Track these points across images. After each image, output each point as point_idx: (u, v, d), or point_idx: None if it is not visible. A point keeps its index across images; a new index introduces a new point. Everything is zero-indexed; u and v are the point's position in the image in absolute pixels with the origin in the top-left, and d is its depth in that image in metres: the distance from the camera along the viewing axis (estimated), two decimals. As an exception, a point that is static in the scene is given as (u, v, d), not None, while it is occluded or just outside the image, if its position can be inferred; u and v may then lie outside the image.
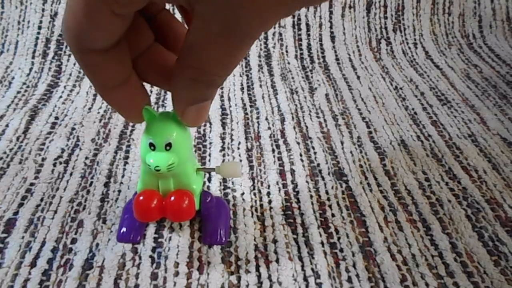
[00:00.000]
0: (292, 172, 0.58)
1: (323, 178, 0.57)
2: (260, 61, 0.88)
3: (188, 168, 0.36)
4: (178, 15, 0.89)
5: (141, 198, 0.36)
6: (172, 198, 0.36)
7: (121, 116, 0.31)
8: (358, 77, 0.84)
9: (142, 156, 0.34)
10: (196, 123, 0.30)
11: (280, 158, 0.61)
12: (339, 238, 0.49)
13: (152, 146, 0.32)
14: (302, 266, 0.45)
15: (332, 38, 0.93)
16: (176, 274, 0.44)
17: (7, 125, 0.66)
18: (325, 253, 0.47)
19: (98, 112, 0.70)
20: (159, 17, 0.30)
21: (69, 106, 0.71)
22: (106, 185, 0.55)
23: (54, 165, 0.58)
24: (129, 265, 0.45)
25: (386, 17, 0.97)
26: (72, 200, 0.53)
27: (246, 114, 0.71)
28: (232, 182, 0.56)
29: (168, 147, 0.32)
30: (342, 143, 0.64)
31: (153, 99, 0.74)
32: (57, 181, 0.55)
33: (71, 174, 0.57)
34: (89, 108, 0.71)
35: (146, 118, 0.31)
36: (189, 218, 0.37)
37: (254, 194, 0.54)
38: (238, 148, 0.63)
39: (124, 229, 0.45)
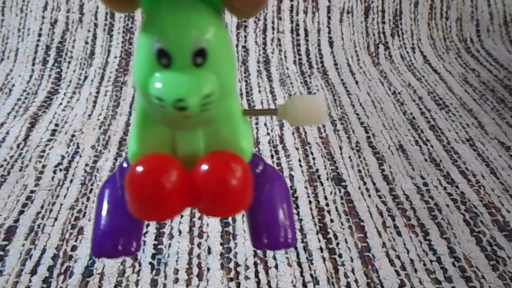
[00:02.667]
0: (291, 177, 0.59)
1: (321, 184, 0.58)
2: (259, 66, 0.88)
3: (235, 105, 0.19)
4: None
5: (139, 169, 0.17)
6: (205, 166, 0.17)
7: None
8: (357, 82, 0.84)
9: (138, 80, 0.16)
10: (257, 4, 0.16)
11: (279, 164, 0.61)
12: (337, 244, 0.49)
13: (163, 56, 0.15)
14: (301, 272, 0.45)
15: (331, 44, 0.94)
16: (176, 280, 0.44)
17: (7, 133, 0.66)
18: (324, 259, 0.47)
19: (98, 119, 0.70)
20: None
21: (69, 113, 0.72)
22: (106, 192, 0.55)
23: (55, 172, 0.58)
24: (129, 272, 0.45)
25: (384, 22, 0.98)
26: (73, 207, 0.53)
27: (245, 119, 0.72)
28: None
29: (199, 59, 0.16)
30: (340, 148, 0.65)
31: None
32: (57, 188, 0.56)
33: (71, 181, 0.57)
34: (89, 115, 0.71)
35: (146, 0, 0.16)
36: (241, 208, 0.18)
37: (253, 200, 0.55)
38: (237, 154, 0.63)
39: (103, 234, 0.21)
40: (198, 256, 0.47)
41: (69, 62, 0.84)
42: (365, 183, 0.58)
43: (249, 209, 0.22)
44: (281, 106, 0.21)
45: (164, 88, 0.15)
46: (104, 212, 0.21)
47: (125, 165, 0.20)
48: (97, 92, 0.77)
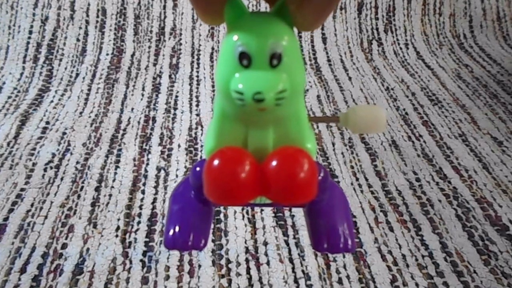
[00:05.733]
0: (284, 174, 0.58)
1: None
2: (252, 63, 0.88)
3: (302, 107, 0.21)
4: None
5: (217, 161, 0.19)
6: (275, 162, 0.19)
7: (195, 7, 0.19)
8: (350, 78, 0.84)
9: (221, 79, 0.19)
10: (318, 20, 0.18)
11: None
12: (330, 240, 0.49)
13: (244, 58, 0.18)
14: (293, 268, 0.45)
15: (324, 40, 0.93)
16: (167, 278, 0.44)
17: (-3, 131, 0.65)
18: (315, 255, 0.47)
19: (89, 116, 0.70)
20: None
21: (60, 110, 0.71)
22: (97, 189, 0.55)
23: (45, 170, 0.58)
24: (119, 269, 0.45)
25: (377, 18, 0.97)
26: (63, 205, 0.52)
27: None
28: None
29: (275, 61, 0.18)
30: (333, 144, 0.65)
31: (144, 102, 0.74)
32: (47, 186, 0.55)
33: (62, 179, 0.56)
34: (80, 112, 0.71)
35: (232, 13, 0.19)
36: (308, 198, 0.19)
37: (245, 196, 0.54)
38: (230, 151, 0.63)
39: (176, 229, 0.24)
40: (189, 253, 0.46)
41: (60, 60, 0.83)
42: (357, 179, 0.58)
43: (310, 215, 0.24)
44: (342, 114, 0.24)
45: (245, 83, 0.18)
46: (177, 211, 0.24)
47: (198, 168, 0.23)
48: (89, 90, 0.77)
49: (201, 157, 0.61)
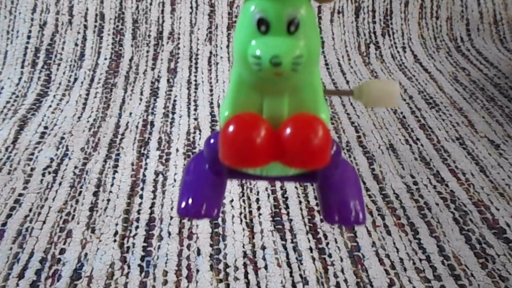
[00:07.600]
0: (281, 178, 0.59)
1: (312, 184, 0.58)
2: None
3: (318, 77, 0.21)
4: None
5: (232, 126, 0.19)
6: (290, 126, 0.20)
7: None
8: (347, 82, 0.84)
9: (239, 46, 0.19)
10: None
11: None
12: (327, 244, 0.49)
13: (262, 24, 0.19)
14: (291, 272, 0.45)
15: (321, 43, 0.94)
16: (165, 282, 0.44)
17: (-4, 136, 0.66)
18: (313, 259, 0.47)
19: (88, 121, 0.70)
20: None
21: (58, 115, 0.71)
22: (95, 194, 0.55)
23: (43, 175, 0.58)
24: (117, 274, 0.45)
25: (375, 21, 0.98)
26: (61, 210, 0.53)
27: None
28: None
29: (292, 27, 0.19)
30: (331, 148, 0.65)
31: (142, 106, 0.74)
32: (46, 191, 0.55)
33: (60, 184, 0.57)
34: (79, 117, 0.71)
35: None
36: (322, 163, 0.20)
37: (243, 200, 0.54)
38: (228, 155, 0.63)
39: (189, 198, 0.24)
40: (188, 258, 0.46)
41: (59, 64, 0.84)
42: (355, 183, 0.58)
43: (322, 189, 0.25)
44: (356, 88, 0.24)
45: (262, 48, 0.18)
46: (190, 181, 0.24)
47: (212, 141, 0.23)
48: (87, 94, 0.77)
49: (199, 161, 0.61)
